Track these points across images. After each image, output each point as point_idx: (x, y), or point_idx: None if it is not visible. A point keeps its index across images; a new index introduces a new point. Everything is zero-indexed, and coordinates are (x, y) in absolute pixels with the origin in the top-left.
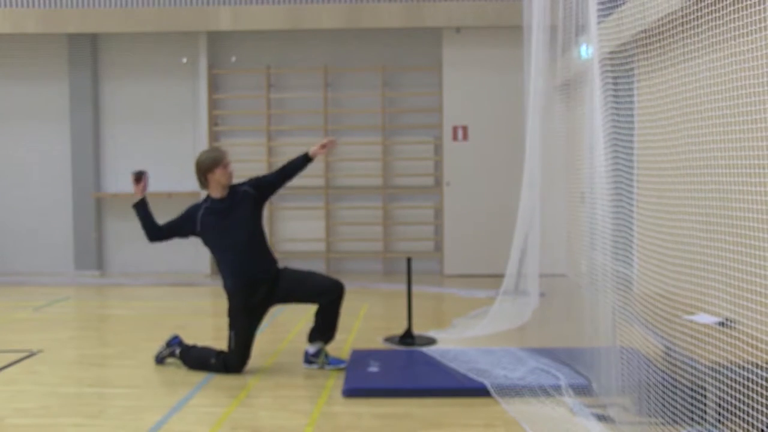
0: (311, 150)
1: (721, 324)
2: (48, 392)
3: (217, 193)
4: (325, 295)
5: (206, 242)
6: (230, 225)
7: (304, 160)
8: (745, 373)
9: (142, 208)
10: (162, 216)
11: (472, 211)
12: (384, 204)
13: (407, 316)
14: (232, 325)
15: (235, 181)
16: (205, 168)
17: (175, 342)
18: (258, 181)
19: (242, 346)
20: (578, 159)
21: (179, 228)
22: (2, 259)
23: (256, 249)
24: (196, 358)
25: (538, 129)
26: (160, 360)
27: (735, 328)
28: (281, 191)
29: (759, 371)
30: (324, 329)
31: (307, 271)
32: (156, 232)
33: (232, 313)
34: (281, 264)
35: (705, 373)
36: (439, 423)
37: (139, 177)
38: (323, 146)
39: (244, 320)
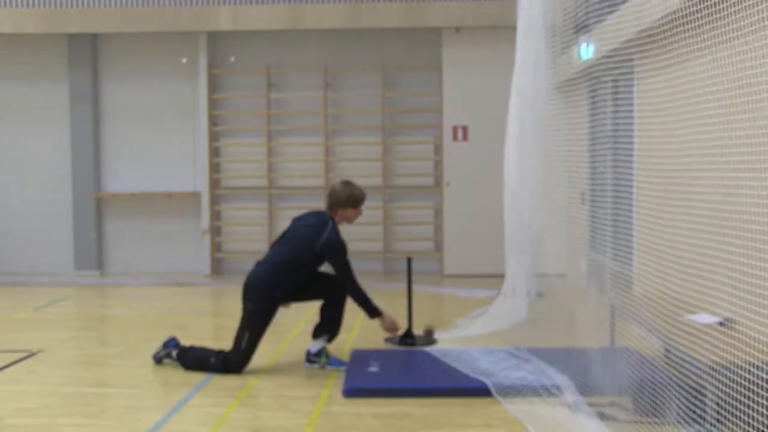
0: (381, 321)
1: (721, 324)
2: (48, 392)
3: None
4: (332, 289)
5: (316, 255)
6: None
7: (367, 310)
8: (745, 374)
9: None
10: (162, 216)
11: (472, 211)
12: (384, 204)
13: (407, 316)
14: (249, 327)
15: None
16: (350, 202)
17: (171, 344)
18: (327, 254)
19: (253, 348)
20: (578, 159)
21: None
22: (2, 259)
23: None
24: (194, 359)
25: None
26: (157, 360)
27: (735, 328)
28: (280, 192)
29: (759, 372)
30: (330, 323)
31: None
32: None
33: (254, 316)
34: None
35: (705, 373)
36: (439, 423)
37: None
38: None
39: (263, 323)
